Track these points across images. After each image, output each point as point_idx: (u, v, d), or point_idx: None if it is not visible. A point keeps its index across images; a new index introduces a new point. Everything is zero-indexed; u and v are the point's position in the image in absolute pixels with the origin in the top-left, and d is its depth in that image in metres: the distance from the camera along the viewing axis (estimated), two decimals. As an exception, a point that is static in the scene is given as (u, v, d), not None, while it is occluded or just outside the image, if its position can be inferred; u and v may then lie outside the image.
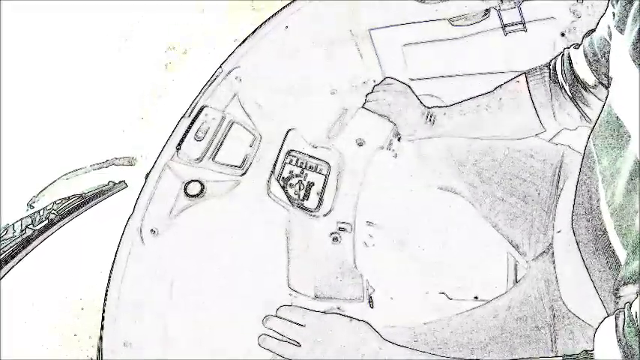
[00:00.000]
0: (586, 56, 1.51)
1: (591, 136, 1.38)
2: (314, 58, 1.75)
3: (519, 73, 1.65)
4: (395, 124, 1.70)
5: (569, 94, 1.57)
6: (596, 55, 1.48)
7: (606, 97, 1.34)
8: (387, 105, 1.72)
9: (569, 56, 1.57)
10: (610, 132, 1.30)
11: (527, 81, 1.62)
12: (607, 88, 1.44)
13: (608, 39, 1.39)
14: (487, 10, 1.77)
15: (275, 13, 1.78)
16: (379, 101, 1.72)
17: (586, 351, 1.25)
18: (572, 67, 1.56)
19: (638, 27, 1.21)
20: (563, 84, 1.58)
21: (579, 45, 1.54)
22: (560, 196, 1.59)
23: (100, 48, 1.85)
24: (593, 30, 1.48)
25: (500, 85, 1.66)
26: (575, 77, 1.55)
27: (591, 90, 1.53)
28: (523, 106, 1.62)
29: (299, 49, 1.76)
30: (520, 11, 1.75)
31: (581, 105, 1.56)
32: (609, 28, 1.37)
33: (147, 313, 1.58)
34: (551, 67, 1.61)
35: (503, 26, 1.76)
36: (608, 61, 1.40)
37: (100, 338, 1.59)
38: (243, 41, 1.77)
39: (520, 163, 1.63)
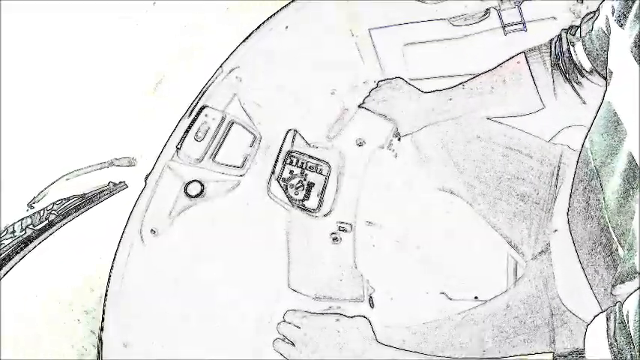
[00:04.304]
0: (583, 42, 1.53)
1: (588, 133, 1.39)
2: (314, 57, 1.75)
3: (518, 52, 1.66)
4: (395, 121, 1.70)
5: (567, 76, 1.59)
6: (594, 44, 1.49)
7: (604, 93, 1.35)
8: (383, 101, 1.72)
9: (567, 40, 1.59)
10: (607, 129, 1.30)
11: (526, 60, 1.64)
12: (604, 77, 1.46)
13: (606, 31, 1.40)
14: (487, 10, 1.77)
15: (275, 13, 1.78)
16: (375, 100, 1.72)
17: (578, 352, 1.26)
18: (570, 51, 1.58)
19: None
20: (562, 66, 1.59)
21: (578, 28, 1.56)
22: (558, 195, 1.59)
23: (100, 48, 1.85)
24: (593, 14, 1.49)
25: (499, 65, 1.67)
26: (573, 61, 1.57)
27: (587, 76, 1.55)
28: (524, 85, 1.63)
29: (299, 48, 1.76)
30: (520, 11, 1.75)
31: (576, 87, 1.58)
32: (607, 19, 1.37)
33: (147, 313, 1.58)
34: (550, 49, 1.62)
35: (503, 26, 1.76)
36: (605, 51, 1.41)
37: (100, 338, 1.59)
38: (244, 41, 1.77)
39: (518, 163, 1.63)
